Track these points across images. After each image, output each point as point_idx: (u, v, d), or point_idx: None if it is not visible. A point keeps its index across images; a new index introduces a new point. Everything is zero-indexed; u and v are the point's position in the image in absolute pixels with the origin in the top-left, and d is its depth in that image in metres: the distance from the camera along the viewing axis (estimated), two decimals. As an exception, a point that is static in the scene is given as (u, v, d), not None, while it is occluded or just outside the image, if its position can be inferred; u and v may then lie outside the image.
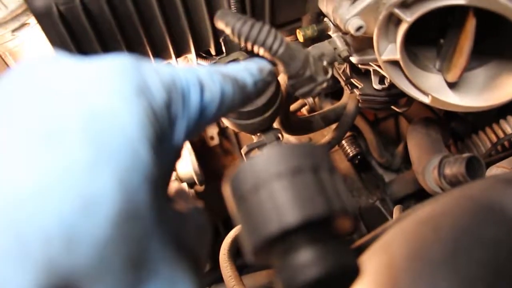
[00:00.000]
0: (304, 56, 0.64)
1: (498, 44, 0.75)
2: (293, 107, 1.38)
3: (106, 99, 0.28)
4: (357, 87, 1.04)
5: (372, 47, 0.80)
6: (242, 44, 0.60)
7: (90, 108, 0.27)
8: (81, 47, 0.76)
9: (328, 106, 1.46)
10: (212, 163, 1.65)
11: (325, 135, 1.19)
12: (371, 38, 0.77)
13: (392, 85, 0.97)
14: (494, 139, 1.22)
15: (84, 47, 0.76)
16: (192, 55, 0.87)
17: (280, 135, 0.80)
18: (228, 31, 0.58)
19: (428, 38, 0.81)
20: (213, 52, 0.89)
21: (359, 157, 1.36)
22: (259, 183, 0.31)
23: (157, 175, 0.29)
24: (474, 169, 0.79)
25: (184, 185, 1.17)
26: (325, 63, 0.66)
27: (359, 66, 0.92)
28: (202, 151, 1.60)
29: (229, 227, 1.88)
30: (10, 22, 0.95)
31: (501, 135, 1.19)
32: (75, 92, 0.28)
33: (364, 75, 1.01)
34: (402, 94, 0.86)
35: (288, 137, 1.22)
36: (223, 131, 1.61)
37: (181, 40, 0.83)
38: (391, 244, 0.48)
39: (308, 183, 0.31)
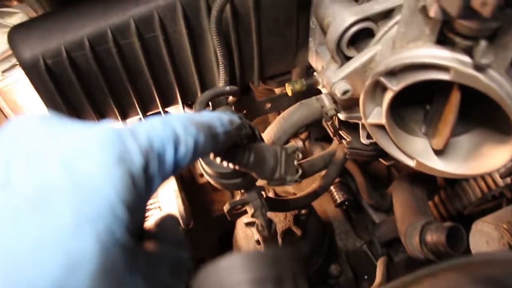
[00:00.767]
0: (274, 157, 0.65)
1: (483, 112, 0.76)
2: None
3: (90, 168, 0.32)
4: (345, 139, 1.03)
5: (358, 106, 0.80)
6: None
7: (75, 177, 0.31)
8: (68, 98, 0.76)
9: (318, 150, 1.46)
10: (201, 199, 1.64)
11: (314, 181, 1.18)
12: (359, 98, 0.77)
13: (380, 140, 0.96)
14: (484, 187, 1.22)
15: (70, 98, 0.76)
16: (179, 106, 0.87)
17: (263, 193, 0.79)
18: None
19: (416, 101, 0.81)
20: (200, 104, 0.89)
21: (347, 203, 1.35)
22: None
23: (132, 229, 0.33)
24: (456, 238, 0.78)
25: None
26: (295, 162, 0.67)
27: (347, 120, 0.92)
28: (191, 187, 1.59)
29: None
30: (0, 63, 0.95)
31: (491, 183, 1.19)
32: (63, 161, 0.31)
33: (352, 127, 1.01)
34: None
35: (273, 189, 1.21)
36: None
37: (168, 92, 0.83)
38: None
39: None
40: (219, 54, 0.77)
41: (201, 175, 1.53)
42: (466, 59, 0.59)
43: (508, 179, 1.11)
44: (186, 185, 1.49)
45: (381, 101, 0.75)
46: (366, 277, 1.51)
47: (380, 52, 0.71)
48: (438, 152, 0.78)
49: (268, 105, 1.01)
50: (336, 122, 1.01)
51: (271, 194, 1.16)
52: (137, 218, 0.35)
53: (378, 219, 1.68)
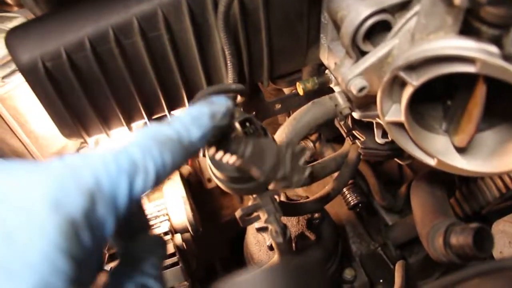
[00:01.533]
0: (277, 154, 0.61)
1: (508, 106, 0.71)
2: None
3: (16, 221, 0.30)
4: (358, 139, 0.99)
5: (376, 103, 0.76)
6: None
7: (8, 229, 0.29)
8: (69, 102, 0.73)
9: (329, 152, 1.42)
10: (210, 204, 1.60)
11: (325, 184, 1.14)
12: (375, 96, 0.73)
13: (395, 139, 0.92)
14: (501, 185, 1.17)
15: (72, 103, 0.73)
16: (185, 108, 0.83)
17: (276, 197, 0.75)
18: None
19: (435, 96, 0.76)
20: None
21: (360, 205, 1.30)
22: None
23: (84, 277, 0.32)
24: (482, 240, 0.74)
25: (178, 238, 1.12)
26: (302, 160, 0.62)
27: (362, 119, 0.88)
28: (199, 192, 1.56)
29: (226, 266, 1.83)
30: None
31: (508, 181, 1.14)
32: None
33: (367, 126, 0.97)
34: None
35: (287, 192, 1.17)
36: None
37: (174, 94, 0.79)
38: None
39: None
40: (227, 52, 0.73)
41: (209, 180, 1.50)
42: (494, 49, 0.55)
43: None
44: (194, 191, 1.45)
45: (399, 98, 0.71)
46: (381, 280, 1.46)
47: (398, 46, 0.67)
48: (460, 150, 0.73)
49: (278, 106, 0.97)
50: (350, 122, 0.97)
51: (282, 198, 1.12)
52: (89, 264, 0.33)
53: (391, 221, 1.64)
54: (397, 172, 1.68)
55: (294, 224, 1.08)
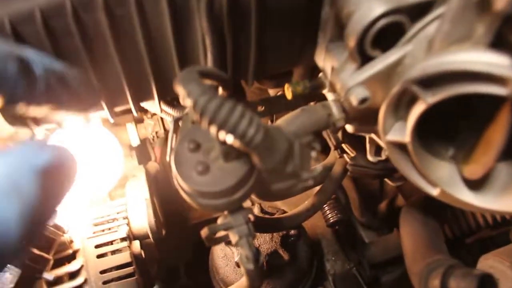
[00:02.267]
0: (287, 146, 0.49)
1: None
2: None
3: None
4: (347, 154, 0.89)
5: (374, 118, 0.66)
6: (205, 126, 0.44)
7: None
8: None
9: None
10: (178, 204, 1.48)
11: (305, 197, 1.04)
12: (375, 109, 0.63)
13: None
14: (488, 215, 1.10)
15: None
16: (154, 102, 0.71)
17: (251, 216, 0.64)
18: (188, 103, 0.43)
19: (443, 115, 0.66)
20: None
21: (339, 223, 1.21)
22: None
23: None
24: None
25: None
26: (314, 154, 0.51)
27: (354, 132, 0.78)
28: (168, 191, 1.43)
29: (190, 271, 1.72)
30: None
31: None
32: None
33: (358, 140, 0.87)
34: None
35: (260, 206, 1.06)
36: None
37: (142, 85, 0.67)
38: None
39: None
40: (208, 42, 0.62)
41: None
42: (532, 70, 0.45)
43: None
44: (161, 190, 1.32)
45: (405, 115, 0.60)
46: (353, 302, 1.37)
47: (412, 54, 0.56)
48: (468, 181, 0.64)
49: (261, 108, 0.86)
50: (340, 134, 0.87)
51: (256, 210, 1.01)
52: None
53: (368, 238, 1.56)
54: (378, 187, 1.60)
55: (267, 241, 0.97)
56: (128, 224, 0.99)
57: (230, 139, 0.45)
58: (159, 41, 0.63)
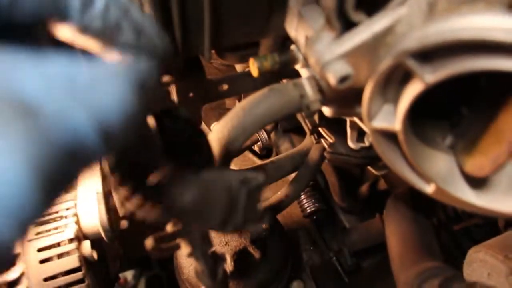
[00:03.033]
0: (228, 197, 0.37)
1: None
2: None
3: None
4: (325, 139, 0.77)
5: (358, 99, 0.54)
6: None
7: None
8: None
9: (286, 145, 1.19)
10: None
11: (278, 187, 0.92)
12: (358, 89, 0.51)
13: (373, 145, 0.71)
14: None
15: None
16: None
17: (207, 234, 0.52)
18: None
19: (439, 95, 0.55)
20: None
21: (317, 213, 1.10)
22: None
23: None
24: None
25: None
26: (260, 204, 0.39)
27: (333, 116, 0.66)
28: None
29: (163, 260, 1.62)
30: None
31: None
32: None
33: (337, 124, 0.75)
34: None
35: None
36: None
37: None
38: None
39: None
40: (146, 5, 0.48)
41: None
42: None
43: None
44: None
45: (395, 96, 0.48)
46: (332, 294, 1.29)
47: (406, 19, 0.44)
48: (469, 177, 0.52)
49: (225, 87, 0.73)
50: (316, 117, 0.75)
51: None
52: None
53: (348, 223, 1.47)
54: (359, 169, 1.50)
55: (235, 238, 0.85)
56: (77, 223, 0.86)
57: None
58: None
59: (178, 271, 0.97)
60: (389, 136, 0.51)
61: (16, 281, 0.81)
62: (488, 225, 1.18)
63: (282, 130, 1.20)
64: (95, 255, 0.85)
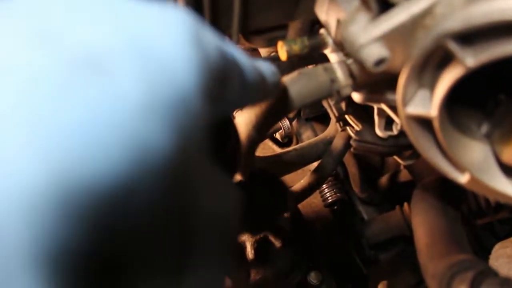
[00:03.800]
0: None
1: None
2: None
3: (163, 45, 0.23)
4: (351, 126, 0.76)
5: (390, 85, 0.52)
6: None
7: (142, 51, 0.22)
8: None
9: (308, 134, 1.18)
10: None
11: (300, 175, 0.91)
12: (392, 74, 0.49)
13: (402, 133, 0.69)
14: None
15: None
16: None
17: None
18: None
19: (476, 82, 0.53)
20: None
21: (338, 203, 1.08)
22: None
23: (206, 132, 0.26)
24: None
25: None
26: None
27: (361, 102, 0.64)
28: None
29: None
30: None
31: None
32: (126, 28, 0.23)
33: (364, 111, 0.73)
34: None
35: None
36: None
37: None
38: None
39: None
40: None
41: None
42: None
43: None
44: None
45: (431, 81, 0.47)
46: (350, 285, 1.27)
47: (447, 0, 0.42)
48: (505, 167, 0.51)
49: (250, 72, 0.71)
50: (343, 104, 0.73)
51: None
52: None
53: (367, 215, 1.45)
54: (379, 159, 1.47)
55: (256, 225, 0.85)
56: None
57: None
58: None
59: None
60: (423, 122, 0.50)
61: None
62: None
63: (305, 118, 1.19)
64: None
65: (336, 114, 0.73)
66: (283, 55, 0.58)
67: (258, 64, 0.36)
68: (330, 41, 0.60)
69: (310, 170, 0.97)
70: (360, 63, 0.47)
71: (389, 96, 0.57)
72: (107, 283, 0.20)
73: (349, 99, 0.71)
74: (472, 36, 0.39)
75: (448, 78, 0.42)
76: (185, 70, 0.24)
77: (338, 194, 1.10)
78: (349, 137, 0.78)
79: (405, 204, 1.21)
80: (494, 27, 0.37)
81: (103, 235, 0.19)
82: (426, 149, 0.52)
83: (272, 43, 0.66)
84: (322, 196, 1.13)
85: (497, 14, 0.36)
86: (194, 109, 0.24)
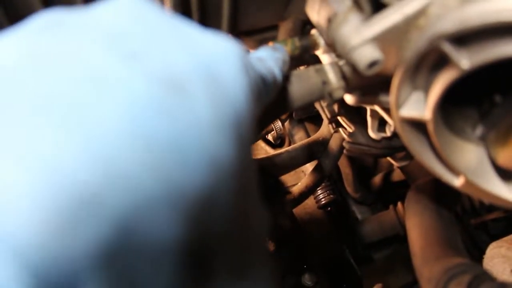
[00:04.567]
0: None
1: None
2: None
3: (226, 69, 0.27)
4: (344, 128, 0.74)
5: (383, 87, 0.51)
6: None
7: (210, 74, 0.26)
8: None
9: (300, 135, 1.16)
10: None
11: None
12: (383, 77, 0.48)
13: (396, 134, 0.68)
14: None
15: None
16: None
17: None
18: None
19: (470, 82, 0.52)
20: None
21: (332, 204, 1.07)
22: None
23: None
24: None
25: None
26: None
27: (354, 104, 0.63)
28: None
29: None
30: None
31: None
32: (194, 54, 0.26)
33: (357, 112, 0.72)
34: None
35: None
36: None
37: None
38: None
39: None
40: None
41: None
42: None
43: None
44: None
45: (425, 83, 0.46)
46: (345, 286, 1.27)
47: (440, 0, 0.41)
48: (500, 170, 0.50)
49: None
50: (336, 105, 0.72)
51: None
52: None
53: (361, 214, 1.45)
54: (371, 159, 1.47)
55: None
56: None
57: None
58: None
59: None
60: (417, 125, 0.49)
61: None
62: (505, 220, 1.15)
63: (297, 119, 1.17)
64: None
65: (329, 116, 0.72)
66: (273, 57, 0.57)
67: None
68: (321, 42, 0.59)
69: (302, 171, 0.95)
70: (352, 65, 0.46)
71: (382, 98, 0.56)
72: (198, 274, 0.24)
73: (341, 101, 0.70)
74: (467, 37, 0.38)
75: (443, 80, 0.41)
76: (241, 92, 0.28)
77: (332, 196, 1.09)
78: (343, 139, 0.77)
79: (399, 204, 1.20)
80: (492, 28, 0.36)
81: (200, 233, 0.23)
82: (420, 152, 0.51)
83: (262, 44, 0.64)
84: (315, 198, 1.12)
85: (492, 15, 0.35)
86: (246, 125, 0.27)
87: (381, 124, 0.68)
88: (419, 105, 0.47)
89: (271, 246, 0.81)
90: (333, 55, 0.58)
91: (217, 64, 0.27)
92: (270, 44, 0.56)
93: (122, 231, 0.19)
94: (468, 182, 0.50)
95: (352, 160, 1.29)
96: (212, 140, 0.23)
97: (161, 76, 0.23)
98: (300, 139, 1.14)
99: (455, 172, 0.50)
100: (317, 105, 0.78)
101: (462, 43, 0.39)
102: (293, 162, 0.84)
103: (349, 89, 0.56)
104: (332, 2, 0.51)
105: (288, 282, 0.95)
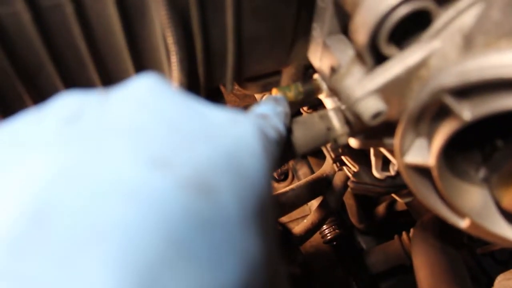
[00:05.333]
0: None
1: None
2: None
3: (250, 161, 0.27)
4: (348, 166, 0.75)
5: (386, 130, 0.53)
6: None
7: (237, 168, 0.26)
8: None
9: (304, 170, 1.17)
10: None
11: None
12: (388, 123, 0.49)
13: (399, 173, 0.69)
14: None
15: None
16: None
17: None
18: None
19: (472, 128, 0.53)
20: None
21: (337, 239, 1.07)
22: None
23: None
24: None
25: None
26: None
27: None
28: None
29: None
30: None
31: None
32: (220, 146, 0.26)
33: (361, 153, 0.73)
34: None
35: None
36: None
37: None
38: None
39: None
40: (170, 40, 0.47)
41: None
42: None
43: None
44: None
45: (428, 130, 0.47)
46: (351, 318, 1.26)
47: (441, 53, 0.42)
48: (505, 211, 0.50)
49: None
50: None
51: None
52: None
53: (365, 244, 1.44)
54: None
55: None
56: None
57: None
58: (105, 40, 0.47)
59: None
60: (421, 170, 0.50)
61: None
62: (512, 248, 1.15)
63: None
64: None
65: (333, 156, 0.73)
66: (278, 103, 0.58)
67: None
68: (324, 86, 0.60)
69: (307, 204, 0.96)
70: (358, 115, 0.47)
71: (386, 140, 0.57)
72: None
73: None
74: (468, 90, 0.39)
75: (445, 130, 0.42)
76: (264, 177, 0.27)
77: (337, 231, 1.09)
78: (347, 178, 0.78)
79: (404, 234, 1.20)
80: (495, 82, 0.37)
81: None
82: (425, 195, 0.52)
83: (266, 89, 0.66)
84: (321, 233, 1.12)
85: (491, 71, 0.36)
86: (268, 205, 0.27)
87: (385, 162, 0.68)
88: (423, 152, 0.48)
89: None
90: (335, 99, 0.59)
91: (240, 152, 0.27)
92: (273, 91, 0.58)
93: None
94: (473, 224, 0.50)
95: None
96: (242, 235, 0.23)
97: (189, 178, 0.22)
98: (304, 174, 1.15)
99: (461, 214, 0.51)
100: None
101: (463, 95, 0.40)
102: (299, 200, 0.84)
103: (353, 133, 0.57)
104: (335, 52, 0.53)
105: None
